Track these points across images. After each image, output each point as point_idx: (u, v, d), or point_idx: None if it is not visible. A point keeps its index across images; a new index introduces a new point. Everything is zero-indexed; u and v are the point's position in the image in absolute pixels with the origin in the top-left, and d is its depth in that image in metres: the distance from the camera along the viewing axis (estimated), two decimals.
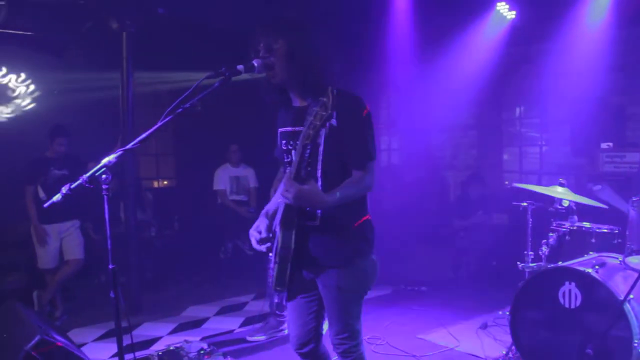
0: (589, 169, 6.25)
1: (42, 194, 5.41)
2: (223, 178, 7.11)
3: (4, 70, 6.82)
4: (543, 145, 7.17)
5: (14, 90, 6.86)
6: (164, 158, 8.94)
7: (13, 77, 6.84)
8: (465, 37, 6.57)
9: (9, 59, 6.76)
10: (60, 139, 5.46)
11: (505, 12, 6.32)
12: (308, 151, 2.25)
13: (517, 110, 7.48)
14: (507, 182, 7.09)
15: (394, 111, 8.13)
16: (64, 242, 5.56)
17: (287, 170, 2.53)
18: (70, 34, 6.65)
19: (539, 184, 6.68)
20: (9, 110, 6.84)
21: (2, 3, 5.58)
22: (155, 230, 7.35)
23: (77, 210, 5.61)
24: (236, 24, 6.38)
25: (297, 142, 2.44)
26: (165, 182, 9.06)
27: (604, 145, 5.92)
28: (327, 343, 2.70)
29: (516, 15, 6.33)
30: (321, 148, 2.37)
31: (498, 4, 6.29)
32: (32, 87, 6.95)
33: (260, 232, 2.62)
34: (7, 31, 6.22)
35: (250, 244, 5.15)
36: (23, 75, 6.88)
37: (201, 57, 7.23)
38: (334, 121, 2.11)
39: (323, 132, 2.13)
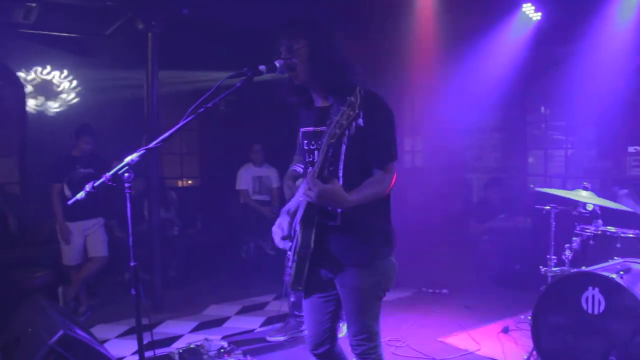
0: (615, 172, 6.16)
1: (67, 192, 5.49)
2: (246, 178, 7.15)
3: (49, 67, 7.17)
4: (568, 148, 7.07)
5: (58, 86, 7.24)
6: (189, 158, 9.02)
7: (57, 73, 7.21)
8: (490, 39, 6.51)
9: (51, 57, 7.08)
10: (86, 137, 5.55)
11: (531, 13, 6.25)
12: (332, 150, 2.25)
13: (542, 112, 7.38)
14: (532, 186, 6.99)
15: (419, 113, 8.08)
16: (88, 239, 5.65)
17: (310, 170, 2.54)
18: (98, 34, 6.77)
19: (563, 187, 6.61)
20: (56, 104, 7.24)
21: (33, 5, 5.69)
22: (179, 229, 7.42)
23: (102, 208, 5.70)
24: (259, 23, 6.44)
25: (320, 142, 2.45)
26: (190, 182, 9.14)
27: (631, 149, 5.84)
28: (346, 345, 2.69)
29: (542, 16, 6.26)
30: (344, 147, 2.37)
31: (524, 5, 6.22)
32: (74, 82, 7.32)
33: (282, 230, 2.64)
34: (39, 32, 6.36)
35: (272, 244, 5.17)
36: (65, 72, 7.24)
37: (225, 56, 7.32)
38: (360, 121, 2.10)
39: (348, 131, 2.13)
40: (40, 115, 7.11)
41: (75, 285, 5.60)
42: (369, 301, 2.56)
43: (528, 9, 6.23)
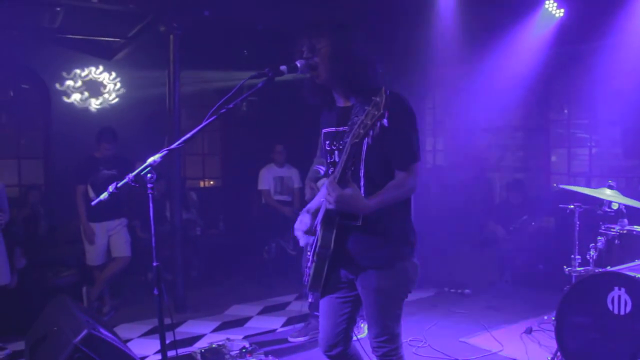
0: None
1: (91, 194, 5.55)
2: (267, 178, 7.17)
3: (101, 67, 7.47)
4: (592, 147, 6.97)
5: (105, 86, 7.55)
6: (211, 158, 9.08)
7: (106, 75, 7.55)
8: (512, 36, 6.43)
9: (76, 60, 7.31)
10: (107, 144, 5.58)
11: (554, 10, 6.16)
12: (355, 150, 2.24)
13: (565, 110, 7.28)
14: (555, 184, 6.91)
15: (440, 112, 8.03)
16: (111, 239, 5.71)
17: (331, 172, 2.53)
18: (120, 37, 6.85)
19: (587, 186, 6.52)
20: (98, 102, 7.54)
21: (58, 9, 5.78)
22: (201, 229, 7.47)
23: (125, 209, 5.77)
24: (280, 24, 6.47)
25: (342, 142, 2.45)
26: (212, 182, 9.20)
27: None
28: (367, 346, 2.68)
29: (565, 13, 6.17)
30: (365, 148, 2.35)
31: (546, 1, 6.14)
32: (118, 84, 7.63)
33: (305, 224, 2.66)
34: (64, 36, 6.46)
35: (294, 244, 5.17)
36: (114, 74, 7.57)
37: (245, 57, 7.36)
38: (385, 121, 2.08)
39: (372, 132, 2.11)
40: (66, 116, 7.23)
41: (99, 285, 5.66)
42: (390, 303, 2.54)
43: (551, 5, 6.14)
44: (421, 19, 6.68)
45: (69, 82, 7.36)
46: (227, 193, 8.72)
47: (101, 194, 5.45)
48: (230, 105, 2.52)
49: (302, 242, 2.71)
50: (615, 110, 6.24)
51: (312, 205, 2.79)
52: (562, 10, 6.16)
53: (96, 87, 7.47)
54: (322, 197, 2.72)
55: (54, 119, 7.33)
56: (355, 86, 2.47)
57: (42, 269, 5.96)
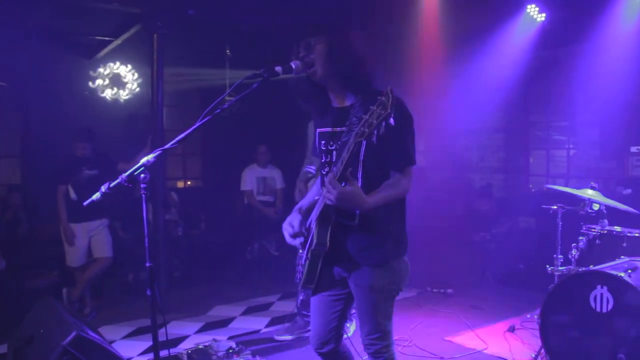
0: (618, 172, 6.19)
1: (72, 194, 5.48)
2: (250, 178, 7.16)
3: (118, 63, 7.69)
4: (570, 149, 7.10)
5: (127, 81, 7.80)
6: (191, 158, 9.03)
7: (124, 67, 7.78)
8: (494, 40, 6.53)
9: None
10: (82, 144, 5.51)
11: (535, 14, 6.26)
12: (357, 148, 2.25)
13: (545, 113, 7.41)
14: (531, 186, 7.03)
15: (421, 113, 8.07)
16: (92, 240, 5.64)
17: (329, 170, 2.55)
18: (102, 35, 6.78)
19: (566, 187, 6.64)
20: (124, 93, 7.80)
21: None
22: (183, 230, 7.43)
23: (106, 209, 5.70)
24: (264, 24, 6.47)
25: (339, 142, 2.47)
26: (189, 183, 9.15)
27: (633, 149, 5.88)
28: (358, 343, 2.71)
29: (546, 17, 6.28)
30: (363, 148, 2.38)
31: (528, 6, 6.24)
32: (136, 75, 7.86)
33: (293, 227, 2.66)
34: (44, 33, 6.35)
35: (276, 245, 5.17)
36: (129, 66, 7.79)
37: (229, 57, 7.34)
38: (392, 120, 2.09)
39: (377, 131, 2.12)
40: (42, 116, 7.12)
41: (80, 286, 5.59)
42: (383, 300, 2.58)
43: (532, 10, 6.25)
44: (404, 20, 6.73)
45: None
46: (209, 193, 8.68)
47: (83, 193, 5.40)
48: (225, 106, 2.52)
49: (289, 241, 2.72)
50: (593, 113, 6.37)
51: (303, 203, 2.80)
52: (544, 14, 6.26)
53: (77, 84, 7.38)
54: (315, 196, 2.75)
55: (32, 118, 7.22)
56: (353, 84, 2.49)
57: (22, 270, 5.86)
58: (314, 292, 2.69)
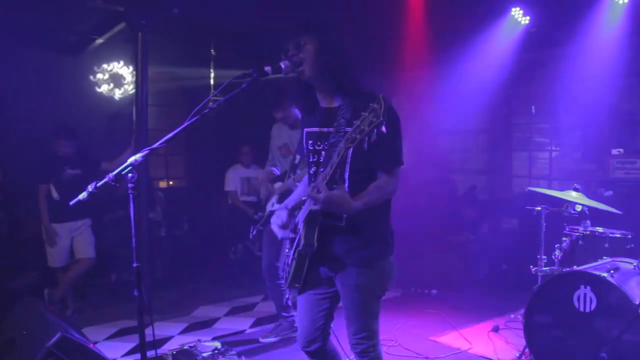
0: (599, 174, 6.26)
1: (55, 194, 5.42)
2: (234, 179, 7.14)
3: (122, 62, 7.62)
4: (553, 151, 7.18)
5: (125, 78, 7.73)
6: (174, 158, 8.97)
7: (126, 68, 7.72)
8: (478, 42, 6.57)
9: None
10: (64, 142, 5.45)
11: (520, 17, 6.32)
12: (350, 155, 2.26)
13: (528, 115, 7.48)
14: (527, 189, 7.09)
15: (405, 114, 8.10)
16: (75, 240, 5.58)
17: (317, 170, 2.55)
18: (84, 33, 6.70)
19: (549, 189, 6.71)
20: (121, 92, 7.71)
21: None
22: (166, 230, 7.38)
23: (89, 209, 5.63)
24: (250, 25, 6.45)
25: (326, 143, 2.48)
26: (172, 183, 9.08)
27: (614, 152, 5.93)
28: (345, 343, 2.71)
29: (530, 20, 6.34)
30: (350, 151, 2.39)
31: (513, 9, 6.30)
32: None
33: (282, 219, 2.69)
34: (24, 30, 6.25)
35: (260, 245, 5.17)
36: (131, 67, 7.63)
37: (213, 56, 7.31)
38: (384, 128, 2.10)
39: (368, 138, 2.12)
40: (14, 114, 7.01)
41: (62, 287, 5.53)
42: (370, 300, 2.60)
43: (517, 13, 6.30)
44: (389, 21, 6.75)
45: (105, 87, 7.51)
46: (192, 193, 8.62)
47: (65, 193, 5.33)
48: (214, 106, 2.52)
49: (279, 235, 2.73)
50: (576, 115, 6.44)
51: (290, 201, 2.82)
52: (528, 17, 6.32)
53: (58, 82, 7.28)
54: (302, 195, 2.75)
55: (11, 115, 7.09)
56: (342, 85, 2.50)
57: (2, 271, 5.76)
58: (300, 291, 2.70)
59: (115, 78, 7.65)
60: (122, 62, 7.60)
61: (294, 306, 2.89)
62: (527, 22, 6.33)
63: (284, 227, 2.69)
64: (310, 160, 2.64)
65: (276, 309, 4.93)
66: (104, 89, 7.58)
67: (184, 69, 7.58)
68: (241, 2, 6.03)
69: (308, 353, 2.74)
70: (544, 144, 7.38)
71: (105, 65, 7.57)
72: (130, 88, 7.60)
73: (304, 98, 2.64)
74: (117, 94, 7.66)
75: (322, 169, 2.46)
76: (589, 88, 6.05)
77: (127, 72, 7.68)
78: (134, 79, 7.45)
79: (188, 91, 8.08)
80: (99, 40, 6.86)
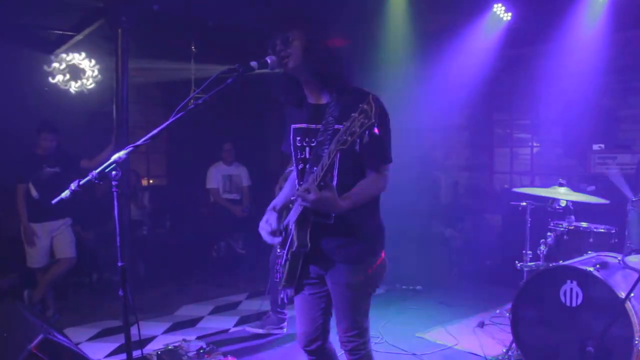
0: (581, 170, 6.32)
1: (34, 193, 5.33)
2: (216, 176, 7.09)
3: (83, 54, 7.27)
4: (534, 147, 7.23)
5: (85, 73, 7.35)
6: (155, 156, 8.87)
7: (87, 61, 7.34)
8: (460, 38, 6.59)
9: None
10: (48, 134, 5.37)
11: (502, 13, 6.34)
12: (339, 155, 2.22)
13: (509, 111, 7.53)
14: (506, 186, 7.13)
15: (387, 111, 8.10)
16: (55, 240, 5.49)
17: (304, 166, 2.52)
18: (65, 29, 6.59)
19: (532, 184, 6.76)
20: (77, 85, 7.33)
21: None
22: (148, 228, 7.29)
23: (69, 208, 5.53)
24: (231, 21, 6.39)
25: (313, 140, 2.45)
26: (152, 181, 8.98)
27: (595, 147, 6.00)
28: (334, 341, 2.69)
29: (512, 17, 6.37)
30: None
31: (494, 5, 6.31)
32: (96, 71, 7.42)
33: (271, 225, 2.64)
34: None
35: (243, 243, 5.12)
36: (94, 61, 7.36)
37: (194, 53, 7.23)
38: (376, 130, 2.04)
39: (360, 139, 2.07)
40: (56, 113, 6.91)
41: (42, 287, 5.43)
42: (360, 297, 2.58)
43: (499, 9, 6.32)
44: (370, 18, 6.74)
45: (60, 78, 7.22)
46: (174, 192, 8.54)
47: (44, 191, 5.23)
48: (199, 102, 2.47)
49: (268, 240, 2.69)
50: (556, 111, 6.50)
51: (277, 202, 2.77)
52: (510, 14, 6.34)
53: (38, 80, 7.15)
54: (289, 194, 2.72)
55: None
56: (329, 81, 2.47)
57: None
58: (296, 291, 2.69)
59: (73, 70, 7.31)
60: (83, 54, 7.28)
61: (290, 301, 2.86)
62: (509, 18, 6.35)
63: (273, 234, 2.64)
64: (298, 156, 2.61)
65: (270, 304, 4.90)
66: (58, 79, 7.23)
67: (164, 65, 7.47)
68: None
69: (308, 352, 2.73)
70: (525, 139, 7.44)
71: (64, 55, 7.24)
72: (88, 82, 7.36)
73: (292, 93, 2.60)
74: (73, 87, 7.33)
75: (309, 166, 2.43)
76: (569, 84, 6.11)
77: (88, 65, 7.37)
78: (94, 74, 7.35)
79: (169, 88, 8.00)
80: (78, 37, 6.73)
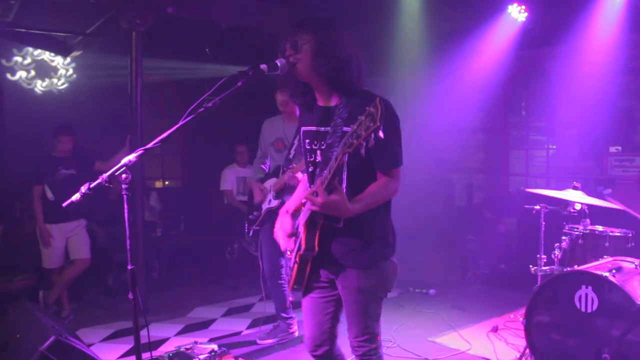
0: (597, 172, 6.23)
1: (49, 194, 5.39)
2: (230, 178, 7.10)
3: (56, 63, 7.17)
4: (550, 149, 7.15)
5: (57, 71, 7.14)
6: (170, 158, 8.92)
7: (60, 59, 7.15)
8: (475, 40, 6.54)
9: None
10: (64, 137, 5.43)
11: (517, 14, 6.27)
12: (347, 158, 2.21)
13: (524, 112, 7.45)
14: (522, 188, 7.06)
15: (400, 113, 8.07)
16: (69, 241, 5.54)
17: (314, 169, 2.51)
18: (79, 33, 6.64)
19: (547, 187, 6.68)
20: (44, 85, 7.11)
21: (12, 1, 5.55)
22: (161, 230, 7.32)
23: (83, 210, 5.59)
24: (245, 23, 6.40)
25: (323, 143, 2.43)
26: (167, 183, 9.04)
27: (612, 149, 5.91)
28: (344, 346, 2.67)
29: (527, 17, 6.29)
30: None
31: (509, 6, 6.24)
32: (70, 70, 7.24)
33: (286, 229, 2.64)
34: (17, 29, 6.19)
35: (256, 245, 5.12)
36: (68, 59, 7.19)
37: (207, 55, 7.25)
38: (381, 134, 2.02)
39: (366, 142, 2.05)
40: (18, 115, 6.93)
41: (57, 288, 5.50)
42: (371, 302, 2.55)
43: (514, 10, 6.25)
44: (384, 19, 6.71)
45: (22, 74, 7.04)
46: (188, 193, 8.59)
47: (60, 193, 5.28)
48: (209, 105, 2.47)
49: (283, 247, 2.68)
50: (573, 113, 6.41)
51: (290, 205, 2.77)
52: (525, 14, 6.25)
53: (73, 80, 7.22)
54: (301, 197, 2.70)
55: (6, 117, 7.04)
56: (339, 85, 2.45)
57: None
58: (303, 294, 2.67)
59: (42, 67, 7.00)
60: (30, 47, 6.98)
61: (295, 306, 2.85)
62: (524, 19, 6.27)
63: (291, 236, 2.63)
64: (308, 159, 2.60)
65: (275, 310, 4.87)
66: (20, 76, 6.84)
67: (178, 67, 7.51)
68: (237, 1, 6.01)
69: (316, 357, 2.71)
70: (541, 142, 7.35)
71: (30, 49, 6.89)
72: (59, 83, 7.15)
73: (303, 95, 2.59)
74: (39, 85, 6.97)
75: (319, 170, 2.42)
76: (586, 85, 6.03)
77: (61, 63, 7.13)
78: (67, 73, 7.20)
79: (183, 89, 8.04)
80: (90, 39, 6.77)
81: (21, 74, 6.98)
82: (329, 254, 2.48)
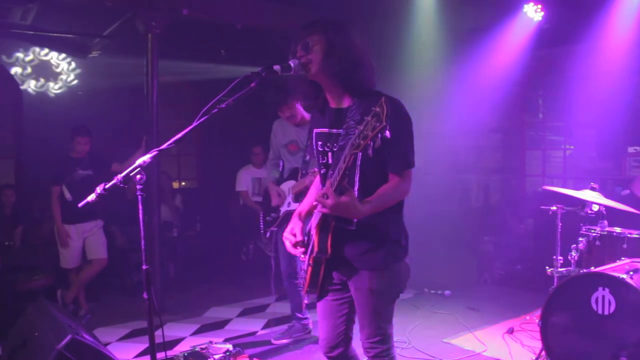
0: (615, 173, 6.17)
1: (67, 195, 5.45)
2: (245, 179, 7.12)
3: (46, 49, 7.08)
4: (567, 149, 7.09)
5: (57, 67, 7.12)
6: (187, 159, 8.98)
7: (55, 54, 7.12)
8: (491, 39, 6.50)
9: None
10: (80, 138, 5.47)
11: (533, 13, 6.22)
12: (353, 159, 2.21)
13: (541, 113, 7.39)
14: (540, 189, 7.01)
15: (416, 113, 8.03)
16: (87, 241, 5.60)
17: (327, 172, 2.51)
18: (96, 35, 6.71)
19: (564, 187, 6.61)
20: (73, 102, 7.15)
21: (31, 5, 5.63)
22: (178, 231, 7.37)
23: (100, 210, 5.65)
24: (260, 24, 6.43)
25: (335, 145, 2.43)
26: (184, 183, 9.09)
27: (630, 150, 5.86)
28: (360, 347, 2.67)
29: (543, 16, 6.24)
30: (359, 155, 2.34)
31: (525, 5, 6.20)
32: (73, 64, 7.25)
33: (295, 235, 2.61)
34: (36, 33, 6.27)
35: (272, 246, 5.14)
36: (74, 64, 7.22)
37: (223, 56, 7.29)
38: (387, 133, 2.02)
39: (373, 143, 2.05)
40: (38, 117, 7.02)
41: (75, 288, 5.56)
42: (383, 304, 2.55)
43: (529, 9, 6.20)
44: (399, 19, 6.69)
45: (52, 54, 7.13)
46: (204, 194, 8.63)
47: (77, 194, 5.34)
48: (223, 105, 2.47)
49: (290, 251, 2.67)
50: (590, 113, 6.35)
51: (302, 208, 2.76)
52: (542, 13, 6.19)
53: (72, 85, 7.29)
54: (314, 200, 2.70)
55: (25, 118, 7.14)
56: (350, 85, 2.44)
57: (15, 272, 5.78)
58: (318, 297, 2.67)
59: (43, 68, 7.00)
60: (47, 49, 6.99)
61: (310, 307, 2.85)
62: (540, 18, 6.21)
63: (295, 246, 2.62)
64: (320, 162, 2.60)
65: (291, 310, 4.88)
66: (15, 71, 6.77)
67: (193, 68, 7.56)
68: (252, 2, 6.03)
69: (330, 358, 2.71)
70: (558, 142, 7.29)
71: (36, 48, 6.89)
72: (57, 86, 7.13)
73: (314, 97, 2.59)
74: (33, 85, 6.94)
75: (331, 172, 2.41)
76: (603, 85, 5.96)
77: (65, 67, 7.14)
78: (68, 78, 7.20)
79: (198, 91, 8.08)
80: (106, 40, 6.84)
81: (49, 96, 7.15)
82: (341, 256, 2.48)
